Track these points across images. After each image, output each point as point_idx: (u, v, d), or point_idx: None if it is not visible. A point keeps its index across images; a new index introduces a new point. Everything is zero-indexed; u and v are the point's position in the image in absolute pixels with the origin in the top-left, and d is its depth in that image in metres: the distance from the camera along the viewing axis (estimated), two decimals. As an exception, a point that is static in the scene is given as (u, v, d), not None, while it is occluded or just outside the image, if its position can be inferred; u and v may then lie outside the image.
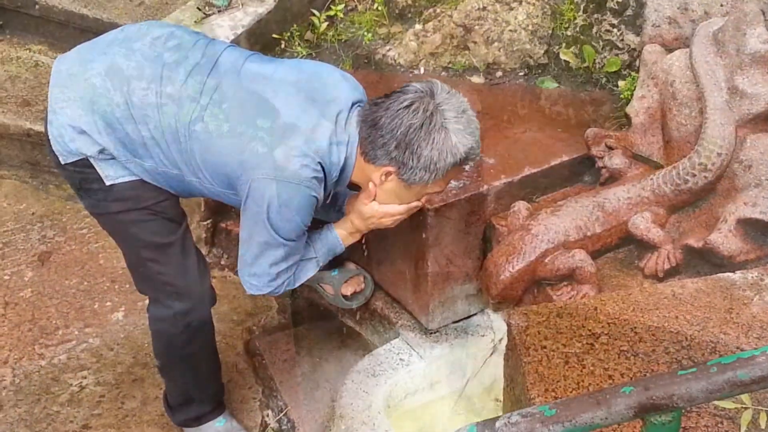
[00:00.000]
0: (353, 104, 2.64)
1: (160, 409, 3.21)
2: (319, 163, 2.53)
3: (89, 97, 2.55)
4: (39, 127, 4.12)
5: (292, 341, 3.54)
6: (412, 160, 2.51)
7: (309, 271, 2.87)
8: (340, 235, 2.89)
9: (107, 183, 2.61)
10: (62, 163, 2.62)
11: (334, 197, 2.91)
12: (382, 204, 2.73)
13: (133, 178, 2.63)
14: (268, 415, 3.31)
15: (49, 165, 4.09)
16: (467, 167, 2.80)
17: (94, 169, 2.60)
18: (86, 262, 3.84)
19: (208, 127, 2.53)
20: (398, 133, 2.49)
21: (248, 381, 3.41)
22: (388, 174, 2.58)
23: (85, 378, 3.36)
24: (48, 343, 3.50)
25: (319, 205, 2.63)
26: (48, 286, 3.74)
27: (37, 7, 4.50)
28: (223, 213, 3.79)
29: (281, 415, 3.30)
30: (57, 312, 3.63)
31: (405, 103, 2.50)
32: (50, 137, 2.61)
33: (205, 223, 3.82)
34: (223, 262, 3.85)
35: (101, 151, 2.57)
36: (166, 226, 2.73)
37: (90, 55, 2.63)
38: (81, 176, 2.64)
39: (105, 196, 2.65)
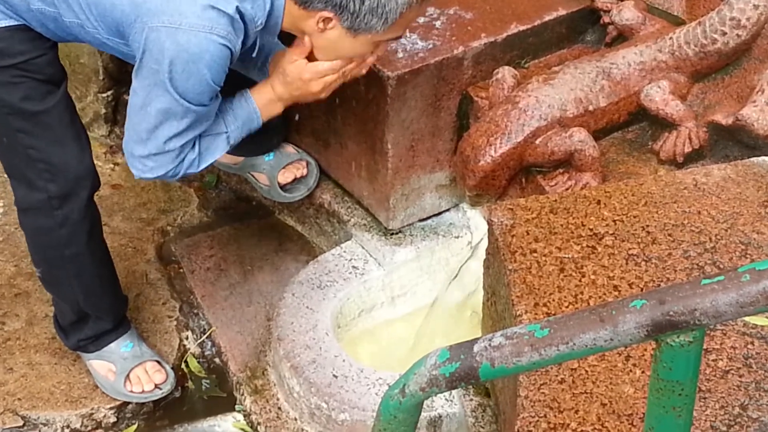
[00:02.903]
0: None
1: (51, 330, 3.20)
2: (237, 7, 2.44)
3: None
4: None
5: (217, 245, 3.53)
6: (354, 2, 2.45)
7: (218, 150, 2.76)
8: (257, 103, 2.77)
9: None
10: None
11: (259, 50, 2.81)
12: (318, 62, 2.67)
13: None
14: (187, 338, 3.32)
15: None
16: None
17: None
18: (-48, 146, 3.78)
19: None
20: None
21: (162, 295, 3.41)
22: (326, 21, 2.51)
23: (-45, 292, 3.34)
24: None
25: (235, 59, 2.55)
26: None
27: None
28: (127, 82, 3.69)
29: (204, 337, 3.32)
30: None
31: None
32: None
33: (104, 95, 3.77)
34: (127, 145, 3.82)
35: None
36: (39, 89, 2.68)
37: None
38: None
39: None
